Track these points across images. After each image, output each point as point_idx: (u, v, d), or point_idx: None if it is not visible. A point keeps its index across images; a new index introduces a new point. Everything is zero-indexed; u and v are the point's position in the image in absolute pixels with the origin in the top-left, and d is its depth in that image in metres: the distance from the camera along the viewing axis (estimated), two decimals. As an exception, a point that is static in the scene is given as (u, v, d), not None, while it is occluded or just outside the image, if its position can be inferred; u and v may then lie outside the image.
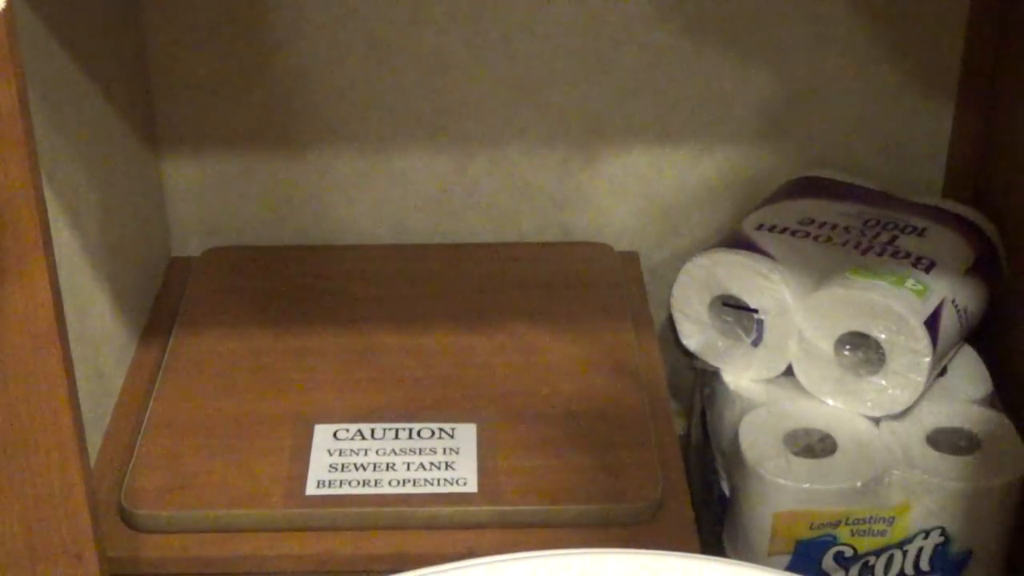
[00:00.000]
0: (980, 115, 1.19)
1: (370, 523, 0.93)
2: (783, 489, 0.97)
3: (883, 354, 1.00)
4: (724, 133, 1.21)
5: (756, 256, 1.05)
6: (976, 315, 1.07)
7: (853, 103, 1.20)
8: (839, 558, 1.00)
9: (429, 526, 0.93)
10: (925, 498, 0.98)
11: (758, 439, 1.00)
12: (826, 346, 1.02)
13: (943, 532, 0.99)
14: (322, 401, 1.03)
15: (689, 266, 1.07)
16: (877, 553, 1.00)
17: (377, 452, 0.97)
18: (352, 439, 0.99)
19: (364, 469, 0.96)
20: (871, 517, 0.98)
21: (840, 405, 1.03)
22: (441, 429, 0.99)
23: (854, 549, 0.99)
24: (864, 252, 1.06)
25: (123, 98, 1.11)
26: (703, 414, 1.12)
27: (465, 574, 0.72)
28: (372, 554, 0.92)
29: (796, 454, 0.99)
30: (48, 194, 0.76)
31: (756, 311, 1.04)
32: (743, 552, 1.02)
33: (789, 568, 0.99)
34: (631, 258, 1.24)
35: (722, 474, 1.05)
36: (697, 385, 1.16)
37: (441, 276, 1.19)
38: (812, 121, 1.21)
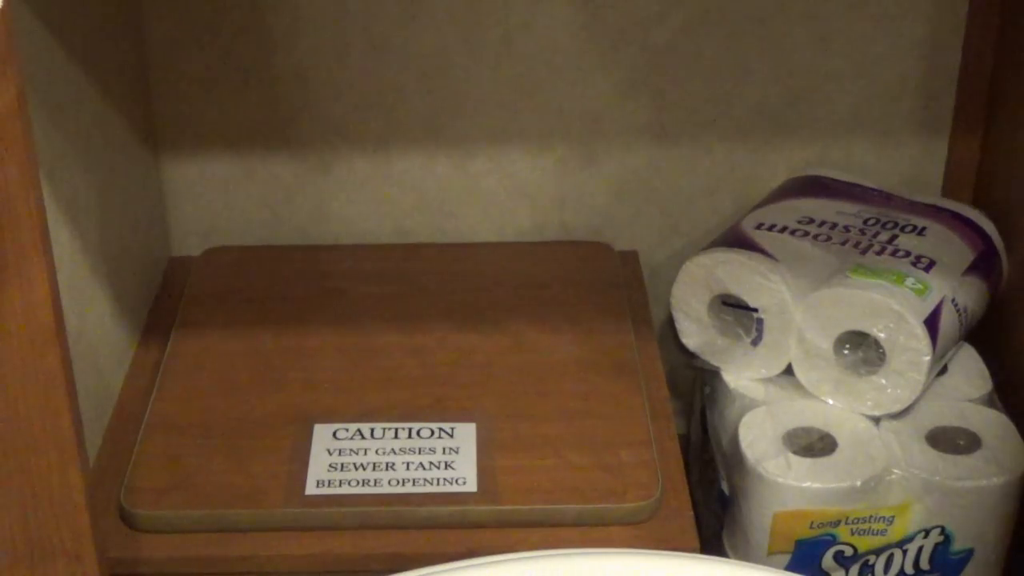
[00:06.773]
0: (980, 114, 1.19)
1: (369, 523, 0.93)
2: (783, 488, 0.97)
3: (883, 353, 1.00)
4: (724, 132, 1.21)
5: (756, 255, 1.05)
6: (976, 314, 1.07)
7: (853, 103, 1.20)
8: (839, 557, 1.00)
9: (428, 526, 0.93)
10: (925, 497, 0.98)
11: (758, 438, 1.00)
12: (826, 345, 1.02)
13: (943, 531, 0.99)
14: (322, 401, 1.03)
15: (689, 265, 1.07)
16: (877, 552, 1.00)
17: (376, 452, 0.97)
18: (351, 439, 0.98)
19: (363, 469, 0.96)
20: (871, 516, 0.98)
21: (840, 404, 1.03)
22: (440, 429, 0.99)
23: (854, 548, 0.99)
24: (864, 251, 1.06)
25: (122, 98, 1.11)
26: (703, 413, 1.12)
27: (465, 574, 0.72)
28: (371, 554, 0.92)
29: (796, 453, 0.99)
30: (47, 194, 0.76)
31: (756, 310, 1.04)
32: (743, 551, 1.01)
33: (789, 568, 0.99)
34: (631, 257, 1.24)
35: (722, 473, 1.05)
36: (697, 384, 1.16)
37: (441, 276, 1.18)
38: (812, 121, 1.21)
